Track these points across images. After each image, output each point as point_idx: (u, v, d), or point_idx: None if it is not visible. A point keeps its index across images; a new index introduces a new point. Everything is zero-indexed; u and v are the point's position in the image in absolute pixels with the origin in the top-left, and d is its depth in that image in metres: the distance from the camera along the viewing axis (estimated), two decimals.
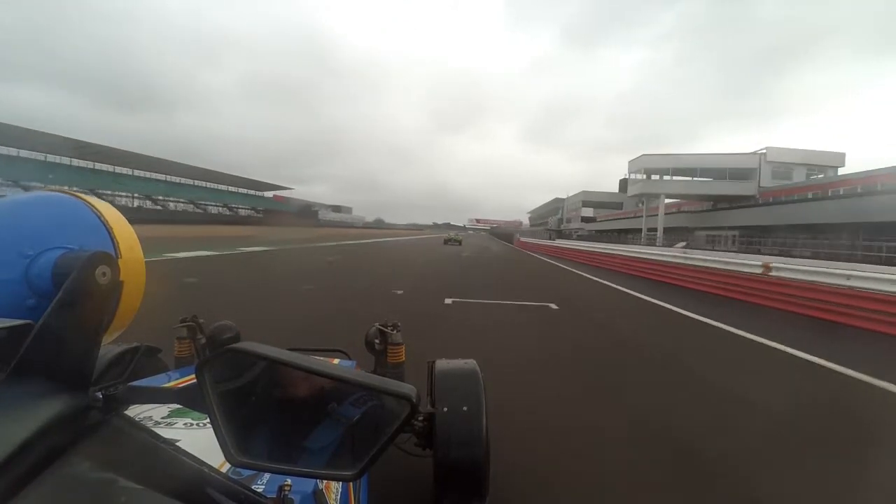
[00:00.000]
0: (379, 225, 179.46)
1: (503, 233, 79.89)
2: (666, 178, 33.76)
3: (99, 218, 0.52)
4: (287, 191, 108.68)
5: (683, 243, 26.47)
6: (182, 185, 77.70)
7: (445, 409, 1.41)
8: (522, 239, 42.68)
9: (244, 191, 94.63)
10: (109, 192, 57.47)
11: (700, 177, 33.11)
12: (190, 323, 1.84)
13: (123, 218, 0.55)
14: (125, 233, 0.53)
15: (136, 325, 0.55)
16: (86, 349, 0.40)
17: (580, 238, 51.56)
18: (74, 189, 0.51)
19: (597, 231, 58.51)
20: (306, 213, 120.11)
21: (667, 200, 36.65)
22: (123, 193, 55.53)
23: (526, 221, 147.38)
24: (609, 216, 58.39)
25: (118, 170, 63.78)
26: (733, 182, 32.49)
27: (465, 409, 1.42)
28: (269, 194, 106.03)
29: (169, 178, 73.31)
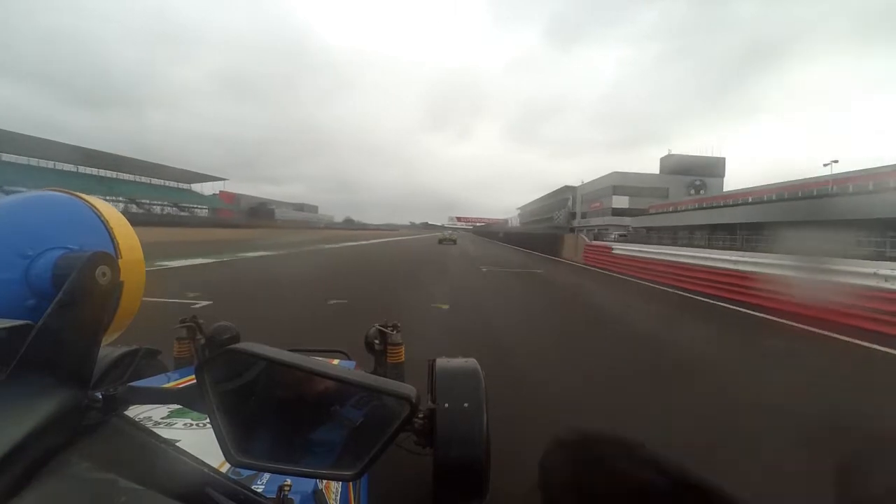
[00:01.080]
0: (348, 225, 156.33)
1: (524, 236, 38.43)
2: None
3: (99, 218, 0.53)
4: (221, 181, 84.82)
5: None
6: (58, 171, 53.12)
7: (446, 406, 1.41)
8: (622, 251, 16.81)
9: (160, 182, 69.81)
10: None
11: None
12: (189, 324, 1.80)
13: (124, 218, 0.56)
14: (125, 233, 0.54)
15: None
16: (86, 349, 0.42)
17: (623, 238, 28.55)
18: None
19: (647, 228, 37.41)
20: (260, 212, 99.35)
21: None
22: None
23: (515, 219, 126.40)
24: (692, 202, 37.05)
25: None
26: None
27: (465, 405, 1.41)
28: (200, 188, 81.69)
29: (32, 161, 47.86)
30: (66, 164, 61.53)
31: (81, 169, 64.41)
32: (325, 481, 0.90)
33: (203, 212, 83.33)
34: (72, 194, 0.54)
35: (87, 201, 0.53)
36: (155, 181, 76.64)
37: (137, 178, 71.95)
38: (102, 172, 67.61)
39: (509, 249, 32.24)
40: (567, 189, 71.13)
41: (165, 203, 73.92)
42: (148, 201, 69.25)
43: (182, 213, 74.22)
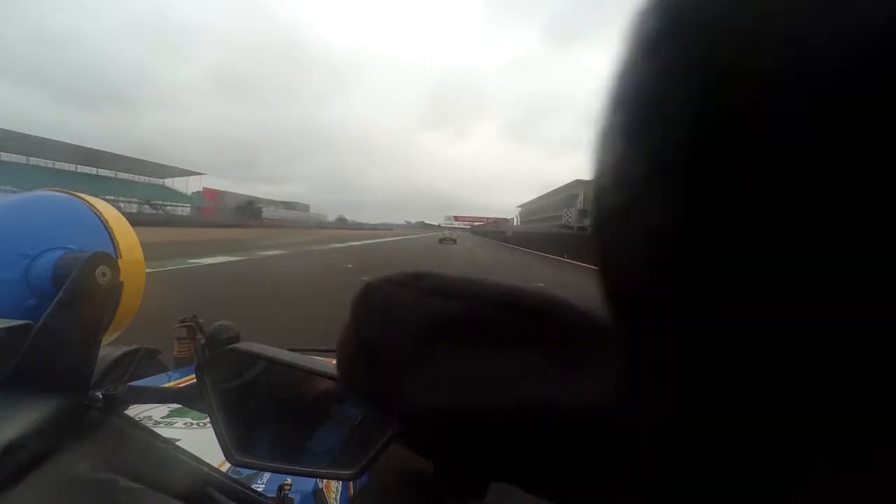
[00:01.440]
0: (341, 224, 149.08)
1: (549, 238, 32.94)
2: None
3: (99, 218, 0.53)
4: (198, 176, 77.59)
5: None
6: (3, 163, 46.17)
7: None
8: None
9: (127, 176, 62.40)
10: None
11: None
12: (189, 323, 1.70)
13: (124, 218, 0.57)
14: (125, 233, 0.55)
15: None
16: (85, 350, 0.43)
17: None
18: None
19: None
20: (246, 210, 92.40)
21: None
22: None
23: (516, 218, 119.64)
24: None
25: None
26: None
27: None
28: (172, 183, 74.22)
29: None
30: (13, 155, 54.04)
31: (33, 160, 56.99)
32: (325, 480, 0.92)
33: (184, 210, 76.16)
34: (72, 194, 0.54)
35: (86, 201, 0.54)
36: (122, 176, 69.13)
37: (99, 172, 64.60)
38: (59, 165, 60.28)
39: (538, 259, 23.70)
40: (578, 184, 64.94)
41: (134, 200, 66.54)
42: (112, 198, 61.89)
43: (156, 212, 66.98)
